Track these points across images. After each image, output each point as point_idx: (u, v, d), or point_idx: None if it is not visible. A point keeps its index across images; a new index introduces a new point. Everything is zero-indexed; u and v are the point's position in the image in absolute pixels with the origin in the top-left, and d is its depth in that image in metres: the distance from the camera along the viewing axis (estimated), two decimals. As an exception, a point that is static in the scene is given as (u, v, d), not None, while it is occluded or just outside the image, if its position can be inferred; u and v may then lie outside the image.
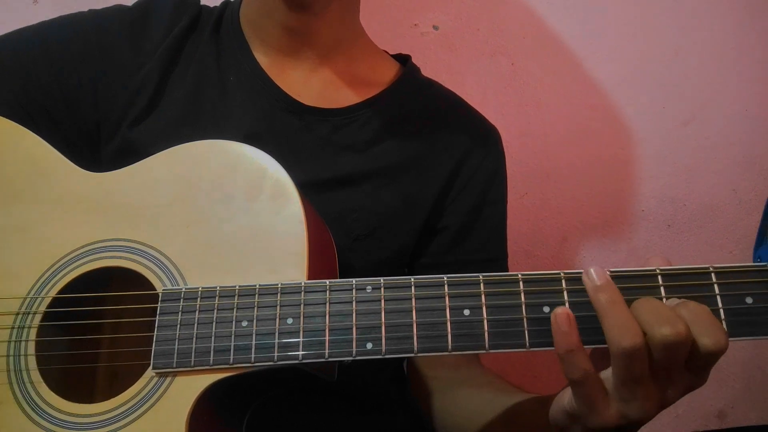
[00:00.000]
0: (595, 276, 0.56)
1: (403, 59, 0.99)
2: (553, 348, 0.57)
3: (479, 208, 0.92)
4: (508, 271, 0.95)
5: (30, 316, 0.68)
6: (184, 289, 0.65)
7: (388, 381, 0.94)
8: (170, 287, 0.66)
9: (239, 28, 0.90)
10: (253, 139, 0.76)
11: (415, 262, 0.92)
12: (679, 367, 0.55)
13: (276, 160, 0.71)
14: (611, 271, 0.58)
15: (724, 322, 0.57)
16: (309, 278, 0.65)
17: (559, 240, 1.34)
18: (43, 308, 0.68)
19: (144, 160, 0.74)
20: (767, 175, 1.37)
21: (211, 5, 0.94)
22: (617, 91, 1.32)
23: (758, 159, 1.37)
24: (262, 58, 0.89)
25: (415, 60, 1.00)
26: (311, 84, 0.89)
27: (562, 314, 0.56)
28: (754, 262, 0.62)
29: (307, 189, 0.71)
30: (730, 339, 0.56)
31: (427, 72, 0.99)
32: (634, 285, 0.58)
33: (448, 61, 1.29)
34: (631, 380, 0.55)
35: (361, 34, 0.96)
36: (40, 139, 0.76)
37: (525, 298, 0.59)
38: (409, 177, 0.88)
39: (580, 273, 0.59)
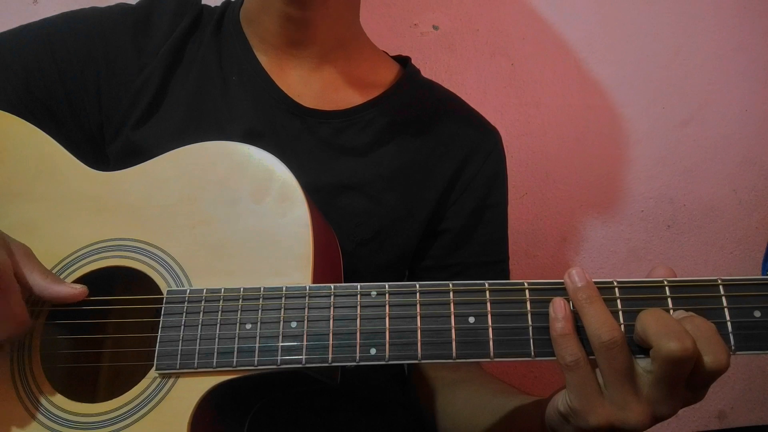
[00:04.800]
0: (576, 278, 0.58)
1: (403, 61, 0.99)
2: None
3: (480, 211, 0.92)
4: (509, 272, 0.96)
5: (34, 314, 0.67)
6: (188, 291, 0.65)
7: (389, 381, 0.94)
8: (175, 288, 0.66)
9: (240, 28, 0.90)
10: (255, 139, 0.76)
11: (416, 264, 0.92)
12: (680, 382, 0.55)
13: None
14: (619, 281, 0.59)
15: (731, 336, 0.56)
16: (314, 282, 0.65)
17: (558, 240, 1.34)
18: (47, 307, 0.68)
19: (152, 159, 0.73)
20: (767, 175, 1.38)
21: (212, 4, 0.94)
22: (617, 92, 1.33)
23: (758, 159, 1.37)
24: (263, 58, 0.88)
25: (415, 60, 0.99)
26: (311, 84, 0.89)
27: (558, 302, 0.58)
28: (762, 274, 0.62)
29: (309, 192, 0.71)
30: (738, 353, 0.56)
31: (426, 72, 0.99)
32: (641, 296, 0.58)
33: (447, 61, 1.29)
34: (615, 377, 0.55)
35: (361, 35, 0.95)
36: (49, 137, 0.75)
37: (531, 307, 0.59)
38: (410, 180, 0.88)
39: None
